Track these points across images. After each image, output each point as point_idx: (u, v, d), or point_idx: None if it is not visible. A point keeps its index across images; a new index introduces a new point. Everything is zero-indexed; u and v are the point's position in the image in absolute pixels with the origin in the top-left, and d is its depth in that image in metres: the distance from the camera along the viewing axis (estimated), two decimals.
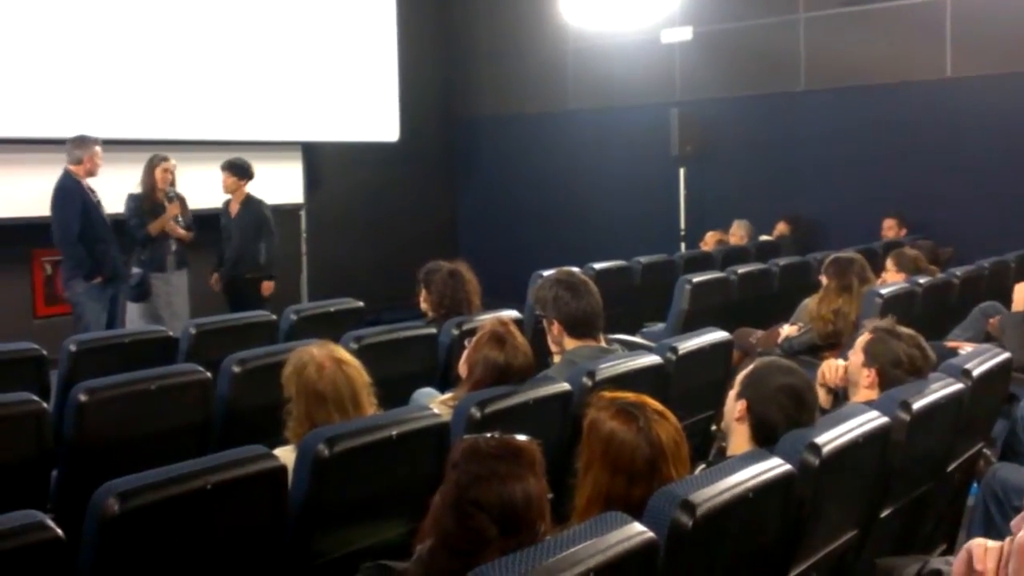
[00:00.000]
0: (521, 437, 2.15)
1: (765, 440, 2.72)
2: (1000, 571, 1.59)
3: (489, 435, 2.14)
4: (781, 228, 9.12)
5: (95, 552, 2.28)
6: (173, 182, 7.04)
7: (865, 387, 3.31)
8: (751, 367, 2.91)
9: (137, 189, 6.99)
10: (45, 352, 4.19)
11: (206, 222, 7.47)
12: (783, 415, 2.74)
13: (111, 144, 6.84)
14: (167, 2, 8.67)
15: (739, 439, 2.81)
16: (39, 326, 8.06)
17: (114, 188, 6.98)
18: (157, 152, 7.12)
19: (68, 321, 6.86)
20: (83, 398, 3.34)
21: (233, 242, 7.43)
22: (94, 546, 2.28)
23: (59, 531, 2.15)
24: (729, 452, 2.85)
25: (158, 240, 6.96)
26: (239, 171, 7.43)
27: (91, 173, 6.67)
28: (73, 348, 4.21)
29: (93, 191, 6.70)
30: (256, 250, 7.47)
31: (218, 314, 5.27)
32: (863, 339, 3.39)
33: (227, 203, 7.51)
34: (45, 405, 3.38)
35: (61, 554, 2.16)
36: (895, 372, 3.26)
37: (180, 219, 7.05)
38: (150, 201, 6.93)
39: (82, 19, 8.12)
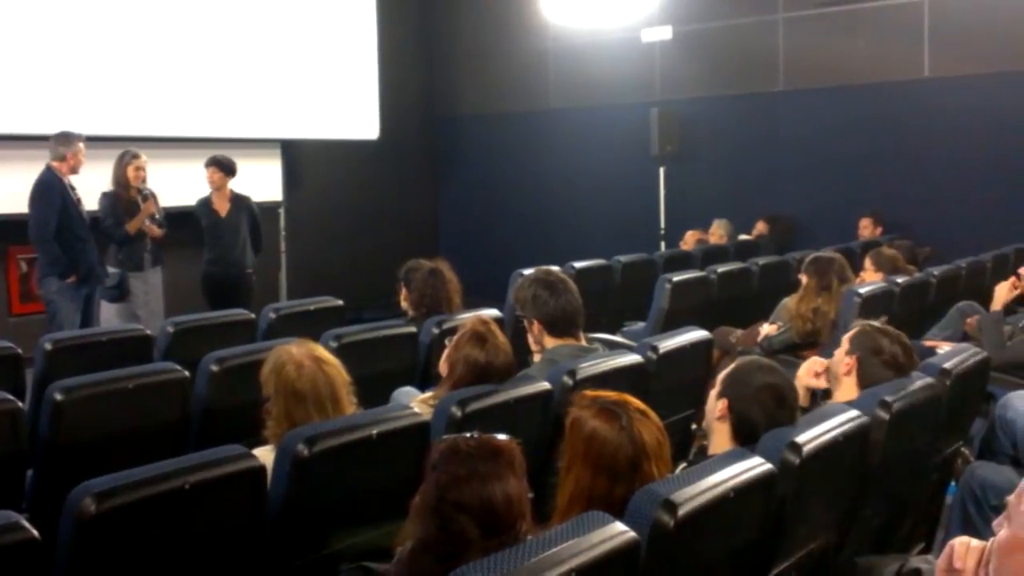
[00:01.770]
0: (501, 436, 2.14)
1: (746, 439, 2.72)
2: (980, 570, 1.60)
3: (468, 435, 2.13)
4: (760, 228, 9.16)
5: (71, 553, 2.26)
6: (145, 179, 6.97)
7: (844, 374, 3.33)
8: (732, 366, 2.91)
9: (109, 187, 6.91)
10: (20, 351, 4.15)
11: (180, 219, 7.40)
12: (764, 414, 2.74)
13: (88, 141, 6.77)
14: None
15: (720, 438, 2.81)
16: (14, 324, 7.98)
17: (91, 185, 6.91)
18: (129, 148, 7.04)
19: (43, 320, 6.80)
20: (59, 397, 3.30)
21: (224, 240, 7.37)
22: (70, 547, 2.26)
23: (35, 532, 2.13)
24: (710, 451, 2.85)
25: (135, 239, 6.89)
26: (226, 168, 7.38)
27: (74, 170, 6.60)
28: (49, 347, 4.16)
29: (74, 188, 6.63)
30: (244, 248, 7.43)
31: (192, 312, 5.22)
32: (850, 332, 3.42)
33: (208, 201, 7.42)
34: (20, 404, 3.34)
35: (36, 555, 2.14)
36: (873, 361, 3.28)
37: (155, 216, 6.99)
38: (125, 200, 6.86)
39: (59, 15, 8.04)
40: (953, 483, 3.74)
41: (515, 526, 2.03)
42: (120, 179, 6.86)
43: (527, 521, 2.07)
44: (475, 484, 2.01)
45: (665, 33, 9.90)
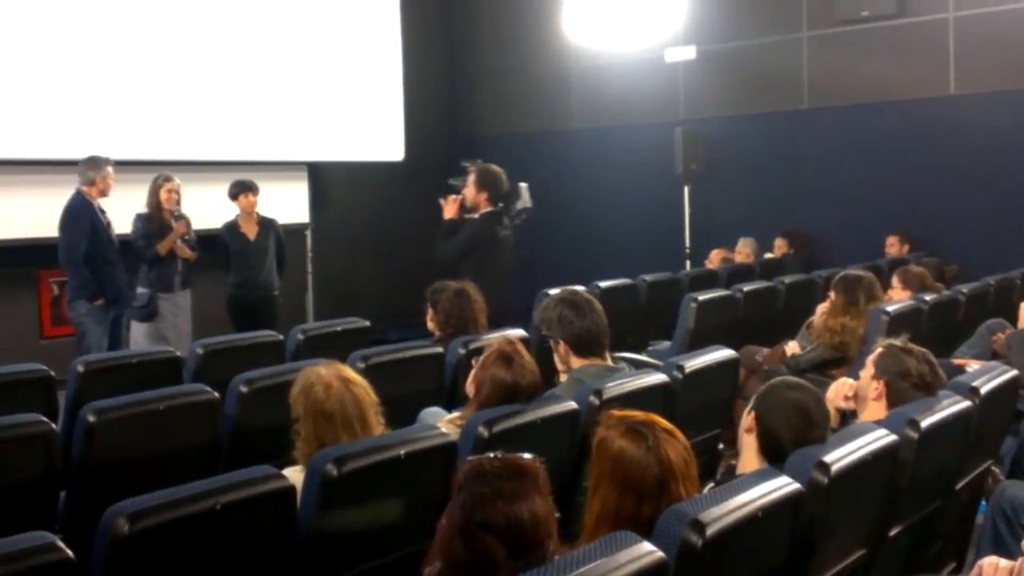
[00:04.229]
0: (525, 455, 2.15)
1: (772, 453, 2.74)
2: None
3: (492, 455, 2.13)
4: (779, 245, 9.11)
5: (105, 573, 2.28)
6: (179, 201, 7.06)
7: (873, 399, 3.32)
8: (768, 383, 2.93)
9: (144, 209, 7.01)
10: (52, 373, 4.19)
11: (207, 242, 7.46)
12: (790, 430, 2.76)
13: (117, 165, 6.87)
14: (173, 24, 8.73)
15: (748, 452, 2.85)
16: (46, 347, 8.07)
17: (121, 209, 7.00)
18: (162, 172, 7.15)
19: (74, 342, 6.87)
20: (91, 419, 3.34)
21: (251, 262, 7.41)
22: (104, 567, 2.28)
23: (69, 552, 2.15)
24: (739, 466, 2.87)
25: (165, 260, 6.97)
26: (256, 188, 7.46)
27: (103, 194, 6.70)
28: (81, 369, 4.21)
29: (103, 212, 6.72)
30: (272, 271, 7.49)
31: (219, 334, 5.27)
32: (874, 354, 3.41)
33: (235, 224, 7.47)
34: (53, 426, 3.38)
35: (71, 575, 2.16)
36: (902, 384, 3.27)
37: (187, 238, 7.07)
38: (157, 221, 6.96)
39: (87, 40, 8.17)
40: (984, 502, 3.72)
41: (542, 545, 2.02)
42: (153, 201, 6.96)
43: (554, 540, 2.06)
44: (501, 504, 2.00)
45: (689, 53, 9.92)
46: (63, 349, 7.17)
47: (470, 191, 6.23)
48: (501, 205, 6.29)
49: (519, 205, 6.50)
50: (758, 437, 2.80)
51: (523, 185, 6.55)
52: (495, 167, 6.33)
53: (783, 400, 2.80)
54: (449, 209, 6.24)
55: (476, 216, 6.18)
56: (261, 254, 7.44)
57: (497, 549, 1.98)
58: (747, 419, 2.86)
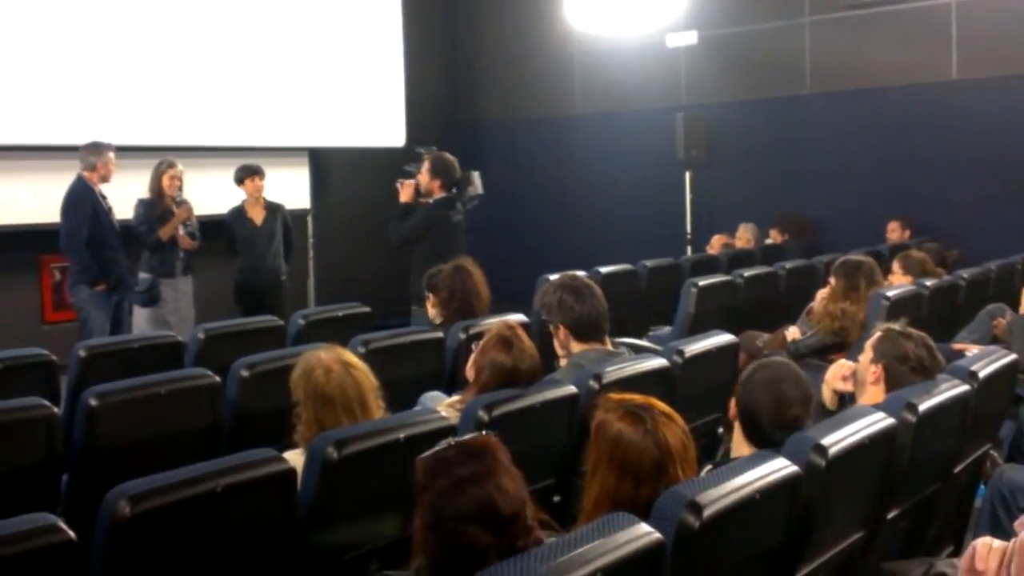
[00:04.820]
0: (479, 434, 2.15)
1: (754, 435, 2.80)
2: (1001, 571, 1.60)
3: (444, 444, 2.11)
4: (774, 236, 9.08)
5: (106, 555, 2.30)
6: (181, 187, 7.05)
7: (871, 383, 3.33)
8: (750, 367, 2.96)
9: (146, 195, 7.01)
10: (54, 358, 4.21)
11: (208, 228, 7.44)
12: (763, 408, 2.81)
13: (118, 150, 6.87)
14: (175, 9, 8.71)
15: (737, 437, 2.90)
16: (48, 332, 8.08)
17: (121, 194, 7.01)
18: (164, 158, 7.15)
19: (76, 327, 6.89)
20: (93, 403, 3.36)
21: (258, 248, 7.38)
22: (105, 549, 2.30)
23: (71, 533, 2.17)
24: (732, 451, 2.89)
25: (167, 246, 6.96)
26: (262, 172, 7.44)
27: (104, 179, 6.70)
28: (82, 353, 4.23)
29: (104, 197, 6.73)
30: (278, 256, 7.48)
31: (222, 319, 5.28)
32: (873, 338, 3.42)
33: (241, 209, 7.42)
34: (55, 410, 3.40)
35: (73, 557, 2.18)
36: (900, 368, 3.27)
37: (188, 225, 7.05)
38: (159, 207, 6.95)
39: (89, 26, 8.16)
40: (982, 486, 3.73)
41: (520, 515, 2.00)
42: (155, 187, 6.95)
43: (530, 506, 2.05)
44: (468, 490, 1.98)
45: (691, 38, 9.89)
46: (65, 334, 7.18)
47: (424, 177, 6.53)
48: (454, 191, 6.57)
49: (471, 192, 6.76)
50: (741, 419, 2.84)
51: (475, 173, 6.82)
52: (448, 155, 6.65)
53: (756, 380, 2.84)
54: (404, 193, 6.57)
55: (430, 201, 6.48)
56: (268, 239, 7.42)
57: (480, 535, 1.97)
58: (733, 403, 2.89)
